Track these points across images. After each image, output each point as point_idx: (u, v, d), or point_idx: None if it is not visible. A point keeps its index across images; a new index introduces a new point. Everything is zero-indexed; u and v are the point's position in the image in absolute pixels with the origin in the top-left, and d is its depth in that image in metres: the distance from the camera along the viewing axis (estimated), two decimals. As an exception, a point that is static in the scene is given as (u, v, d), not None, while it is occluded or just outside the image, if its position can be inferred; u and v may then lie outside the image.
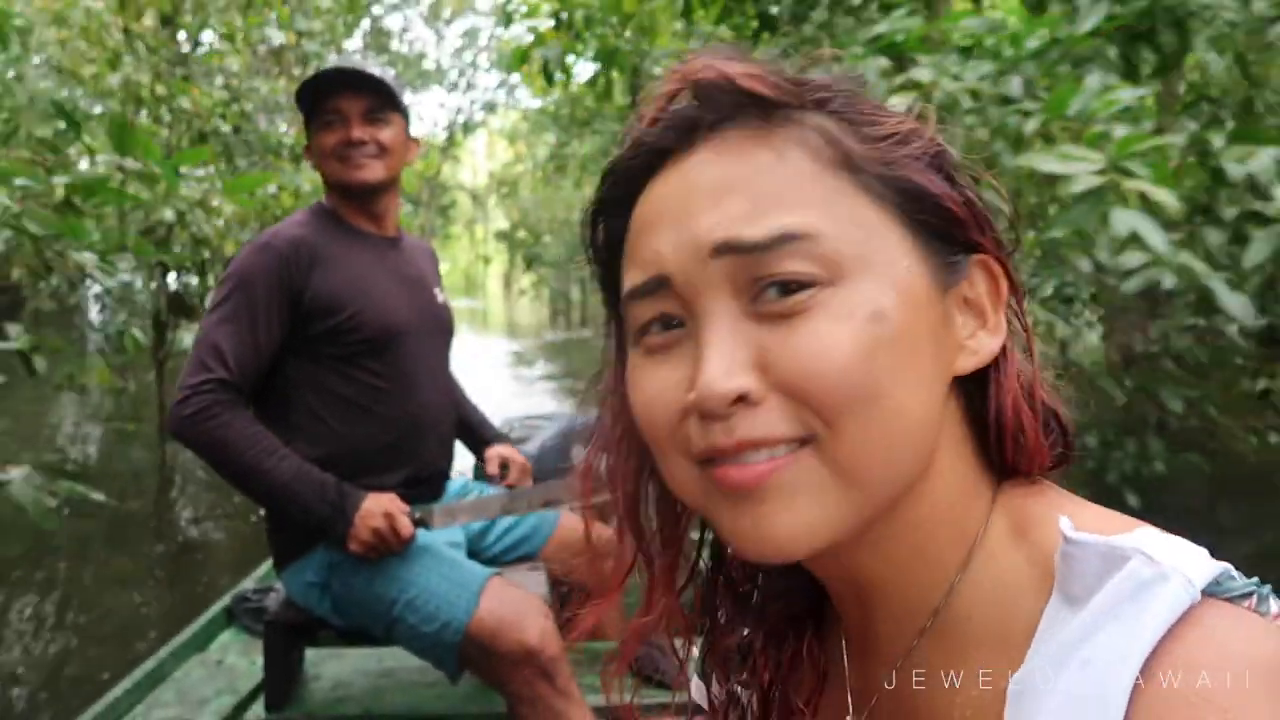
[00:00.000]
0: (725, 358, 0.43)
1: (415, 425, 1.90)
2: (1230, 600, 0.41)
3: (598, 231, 0.54)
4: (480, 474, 2.31)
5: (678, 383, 0.46)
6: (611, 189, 0.51)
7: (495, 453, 2.22)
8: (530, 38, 5.77)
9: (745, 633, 0.59)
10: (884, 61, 2.78)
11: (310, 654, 2.15)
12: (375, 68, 1.91)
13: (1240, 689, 0.37)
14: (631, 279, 0.48)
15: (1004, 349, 0.50)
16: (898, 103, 0.54)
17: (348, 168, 1.86)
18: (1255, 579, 0.43)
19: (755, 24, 4.82)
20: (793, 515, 0.43)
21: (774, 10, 4.86)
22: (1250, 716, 0.37)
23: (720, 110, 0.47)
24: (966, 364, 0.48)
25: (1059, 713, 0.40)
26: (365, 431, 1.85)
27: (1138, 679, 0.39)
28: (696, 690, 0.65)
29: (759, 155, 0.46)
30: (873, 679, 0.52)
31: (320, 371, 1.83)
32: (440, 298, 2.06)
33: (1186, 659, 0.39)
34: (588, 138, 10.37)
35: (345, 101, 1.85)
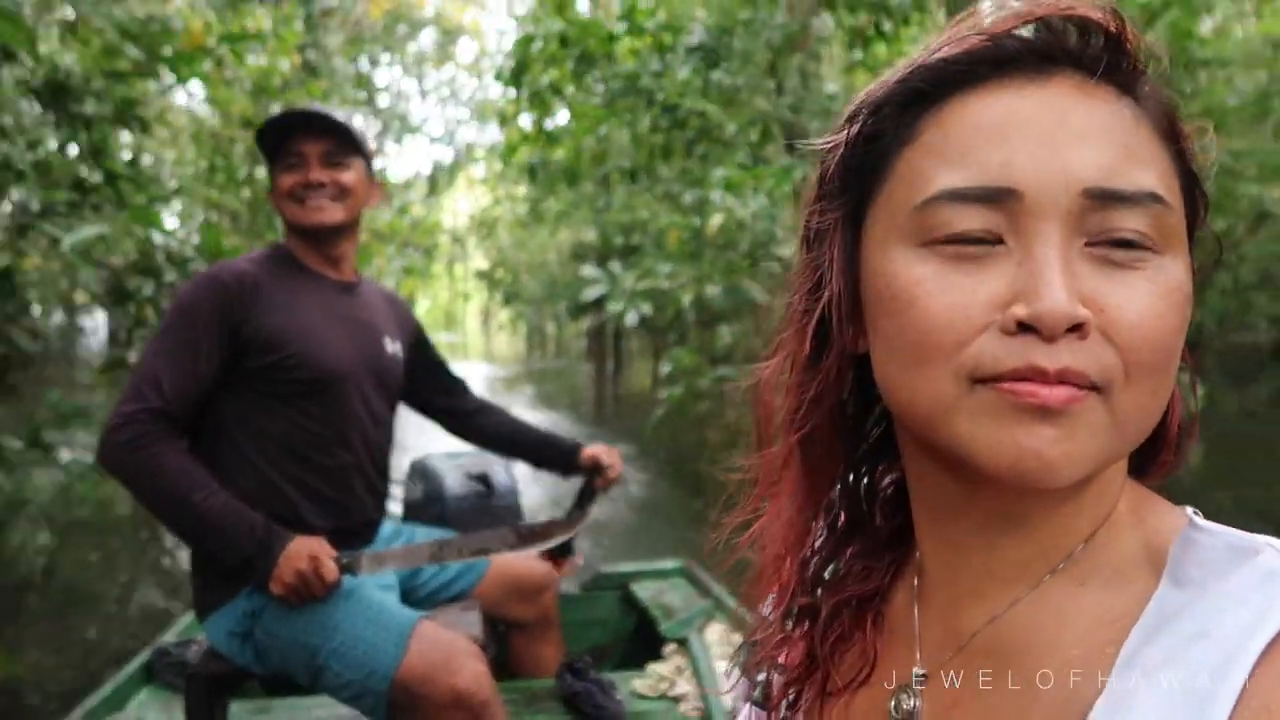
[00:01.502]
0: (1068, 284, 0.43)
1: (347, 473, 1.89)
2: None
3: (871, 119, 0.51)
4: (457, 515, 2.34)
5: (991, 296, 0.45)
6: (919, 81, 0.49)
7: (592, 454, 2.24)
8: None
9: (818, 595, 0.60)
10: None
11: (235, 708, 2.04)
12: (338, 111, 1.94)
13: None
14: (952, 180, 0.46)
15: None
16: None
17: (305, 209, 1.86)
18: None
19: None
20: (1072, 445, 0.44)
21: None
22: None
23: (1095, 52, 0.47)
24: None
25: (1171, 682, 0.41)
26: (296, 476, 1.84)
27: (1259, 659, 0.40)
28: (735, 686, 0.68)
29: (1123, 110, 0.46)
30: (952, 632, 0.54)
31: (254, 412, 1.82)
32: (391, 348, 2.03)
33: None
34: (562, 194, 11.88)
35: (306, 144, 1.86)
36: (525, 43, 6.52)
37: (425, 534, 2.08)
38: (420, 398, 2.24)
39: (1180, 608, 0.44)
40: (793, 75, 6.06)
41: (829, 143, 0.54)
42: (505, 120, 8.51)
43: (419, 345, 2.20)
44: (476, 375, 17.19)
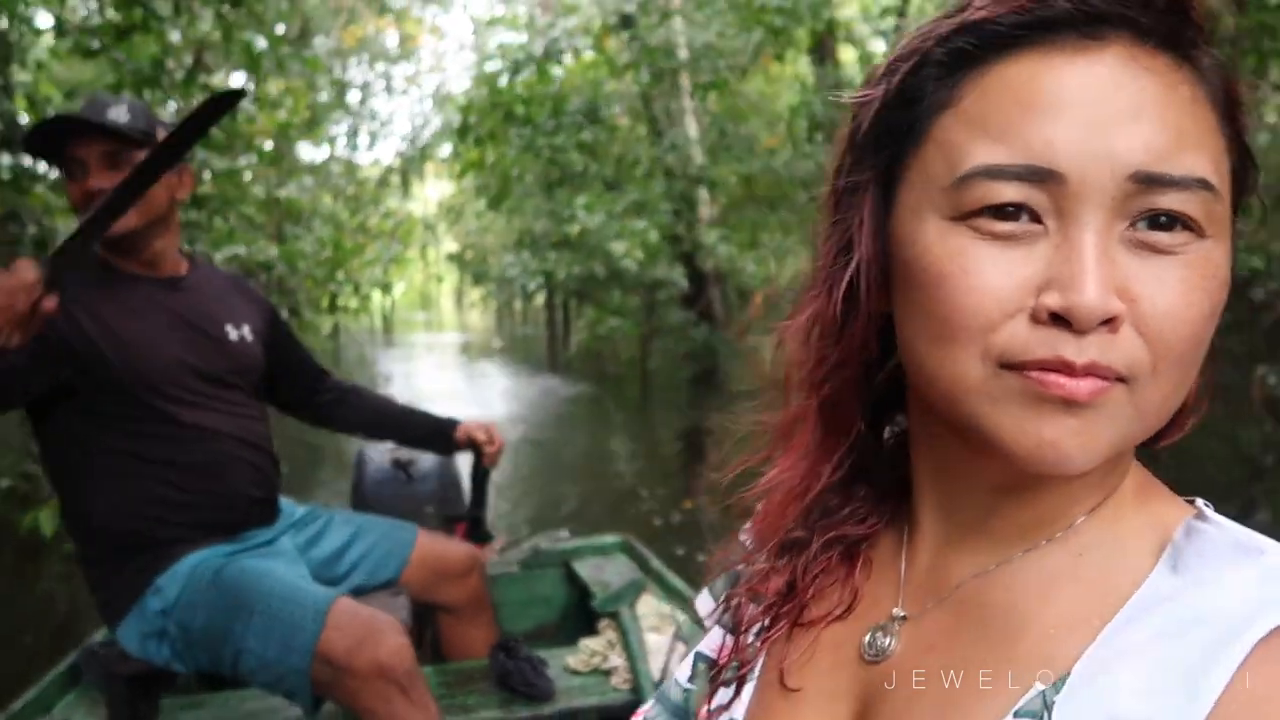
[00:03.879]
0: (1105, 277, 0.42)
1: (211, 471, 1.85)
2: None
3: (907, 76, 0.48)
4: (452, 447, 2.30)
5: (1024, 279, 0.43)
6: (963, 40, 0.46)
7: (466, 431, 2.23)
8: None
9: (812, 529, 0.60)
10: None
11: (167, 703, 1.98)
12: (115, 107, 1.78)
13: None
14: (992, 155, 0.44)
15: None
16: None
17: None
18: None
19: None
20: (1093, 438, 0.43)
21: None
22: None
23: (1153, 16, 0.44)
24: None
25: (1162, 663, 0.41)
26: (158, 485, 1.80)
27: (1255, 647, 0.40)
28: (703, 603, 0.68)
29: (1178, 87, 0.44)
30: (937, 581, 0.54)
31: (99, 431, 1.78)
32: (235, 335, 1.96)
33: None
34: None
35: (82, 148, 1.73)
36: (467, 109, 9.85)
37: (341, 520, 2.11)
38: (279, 395, 2.18)
39: (1174, 592, 0.44)
40: (671, 119, 9.33)
41: (864, 97, 0.51)
42: (459, 142, 11.74)
43: (274, 334, 2.12)
44: (450, 342, 20.64)
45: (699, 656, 0.66)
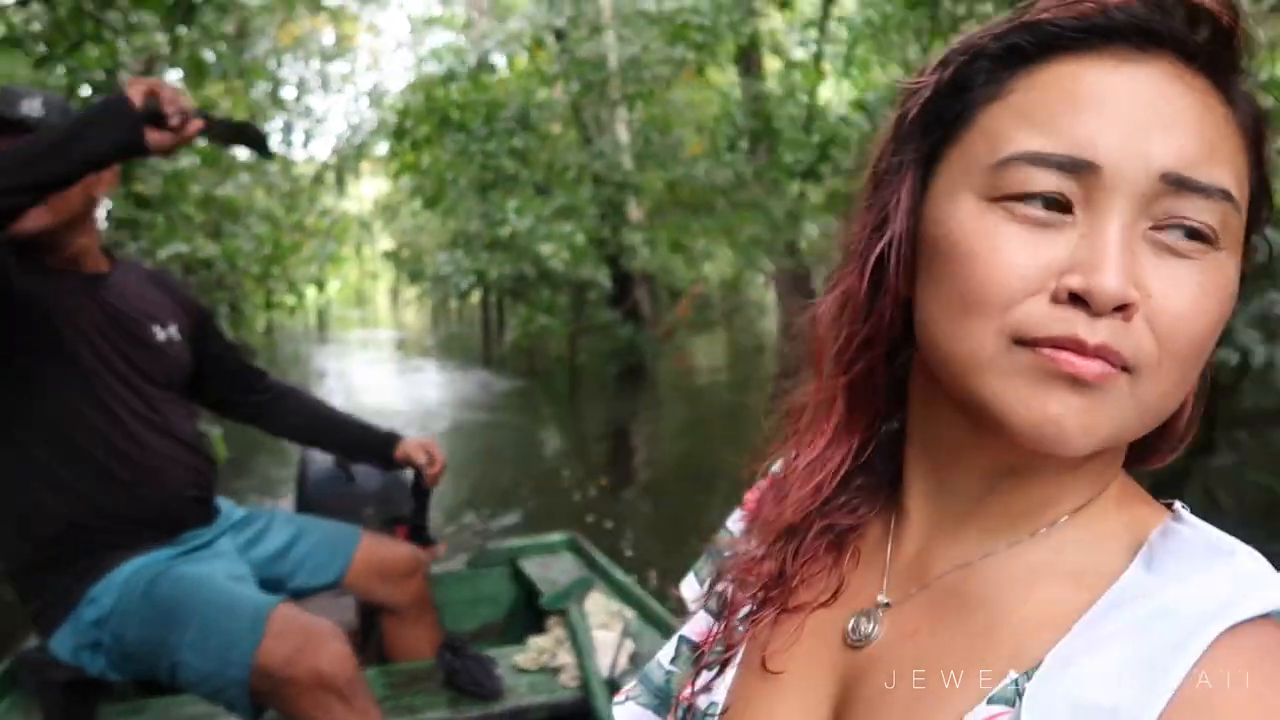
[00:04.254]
0: (1126, 266, 0.44)
1: (144, 474, 1.82)
2: None
3: (961, 66, 0.51)
4: (390, 465, 2.24)
5: (1050, 262, 0.46)
6: (1020, 38, 0.49)
7: (406, 450, 2.18)
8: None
9: (808, 518, 0.60)
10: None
11: (105, 710, 1.96)
12: (30, 100, 1.73)
13: (1275, 700, 0.41)
14: (1035, 143, 0.46)
15: None
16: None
17: None
18: None
19: None
20: (1094, 420, 0.45)
21: None
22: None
23: (1200, 40, 0.47)
24: None
25: (1128, 652, 0.43)
26: (89, 490, 1.77)
27: (1215, 641, 0.42)
28: (688, 587, 0.70)
29: (1215, 105, 0.47)
30: (921, 570, 0.56)
31: (26, 435, 1.76)
32: (163, 334, 1.92)
33: (1257, 649, 0.42)
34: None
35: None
36: (404, 113, 10.25)
37: (283, 520, 2.08)
38: (208, 394, 2.12)
39: (1147, 588, 0.46)
40: (601, 127, 9.83)
41: (916, 84, 0.53)
42: (396, 145, 12.11)
43: (202, 332, 2.06)
44: (385, 339, 20.87)
45: (683, 640, 0.67)
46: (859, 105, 9.46)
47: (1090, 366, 0.45)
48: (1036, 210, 0.46)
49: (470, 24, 13.37)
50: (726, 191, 10.01)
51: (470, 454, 7.56)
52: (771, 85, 11.55)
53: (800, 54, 11.81)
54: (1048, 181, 0.46)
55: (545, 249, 8.74)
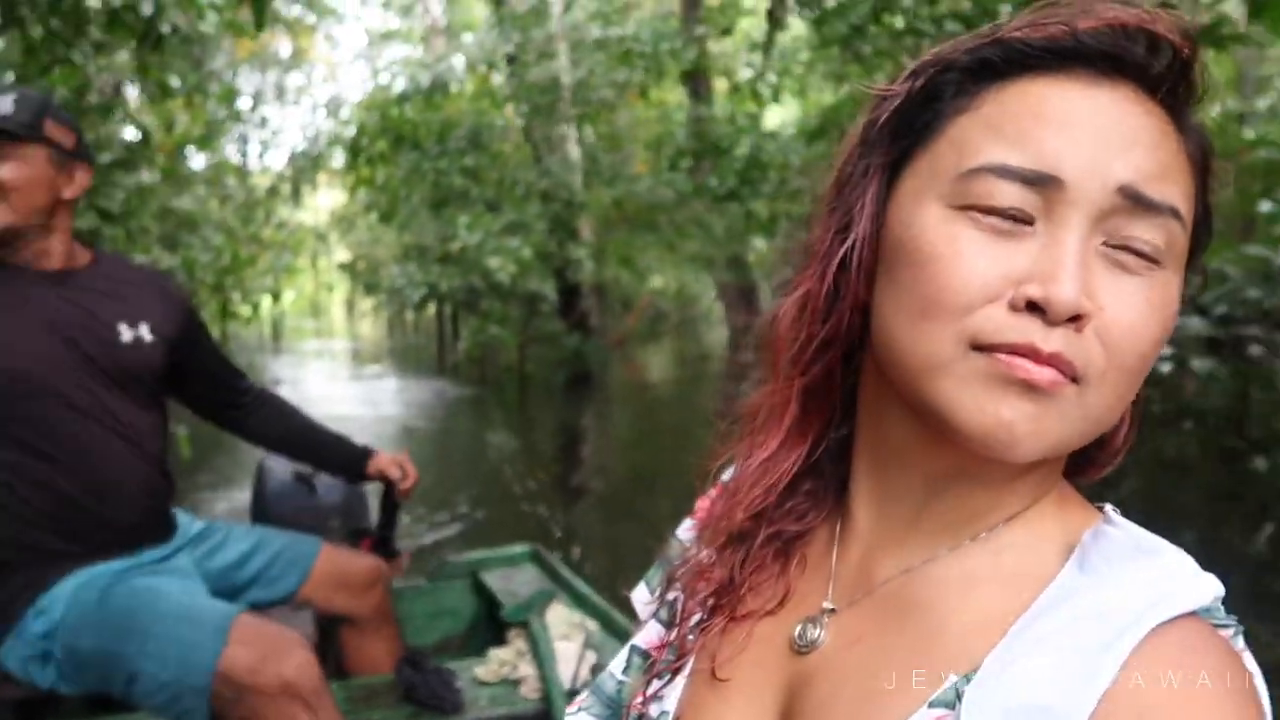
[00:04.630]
0: (1082, 278, 0.46)
1: (95, 483, 1.76)
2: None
3: (932, 76, 0.53)
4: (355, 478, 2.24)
5: (1009, 270, 0.47)
6: (992, 54, 0.51)
7: (378, 465, 2.17)
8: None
9: (757, 524, 0.62)
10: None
11: None
12: (2, 97, 1.70)
13: (1200, 696, 0.43)
14: (1004, 156, 0.48)
15: None
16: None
17: None
18: (1235, 616, 0.49)
19: None
20: (1042, 425, 0.47)
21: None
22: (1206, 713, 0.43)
23: (1161, 72, 0.49)
24: None
25: (1061, 653, 0.45)
26: (37, 498, 1.71)
27: (1143, 639, 0.44)
28: (639, 596, 0.70)
29: (1170, 132, 0.49)
30: (865, 576, 0.57)
31: None
32: (129, 334, 1.83)
33: (1181, 645, 0.45)
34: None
35: None
36: (360, 131, 10.71)
37: (241, 533, 2.04)
38: (187, 392, 2.07)
39: (1080, 589, 0.48)
40: (552, 146, 10.35)
41: (887, 92, 0.55)
42: (352, 161, 12.54)
43: (186, 332, 1.98)
44: (340, 349, 21.17)
45: (634, 649, 0.67)
46: (771, 135, 9.97)
47: (1044, 374, 0.46)
48: (1001, 221, 0.48)
49: (427, 38, 13.80)
50: (669, 209, 10.55)
51: (426, 455, 8.00)
52: (720, 107, 12.07)
53: (748, 76, 12.34)
54: (1013, 194, 0.48)
55: (493, 263, 9.27)
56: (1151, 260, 0.48)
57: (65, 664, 1.71)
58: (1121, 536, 0.50)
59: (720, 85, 12.78)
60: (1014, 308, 0.47)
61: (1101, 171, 0.47)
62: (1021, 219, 0.48)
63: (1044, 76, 0.50)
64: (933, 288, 0.49)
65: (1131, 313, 0.48)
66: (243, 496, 3.56)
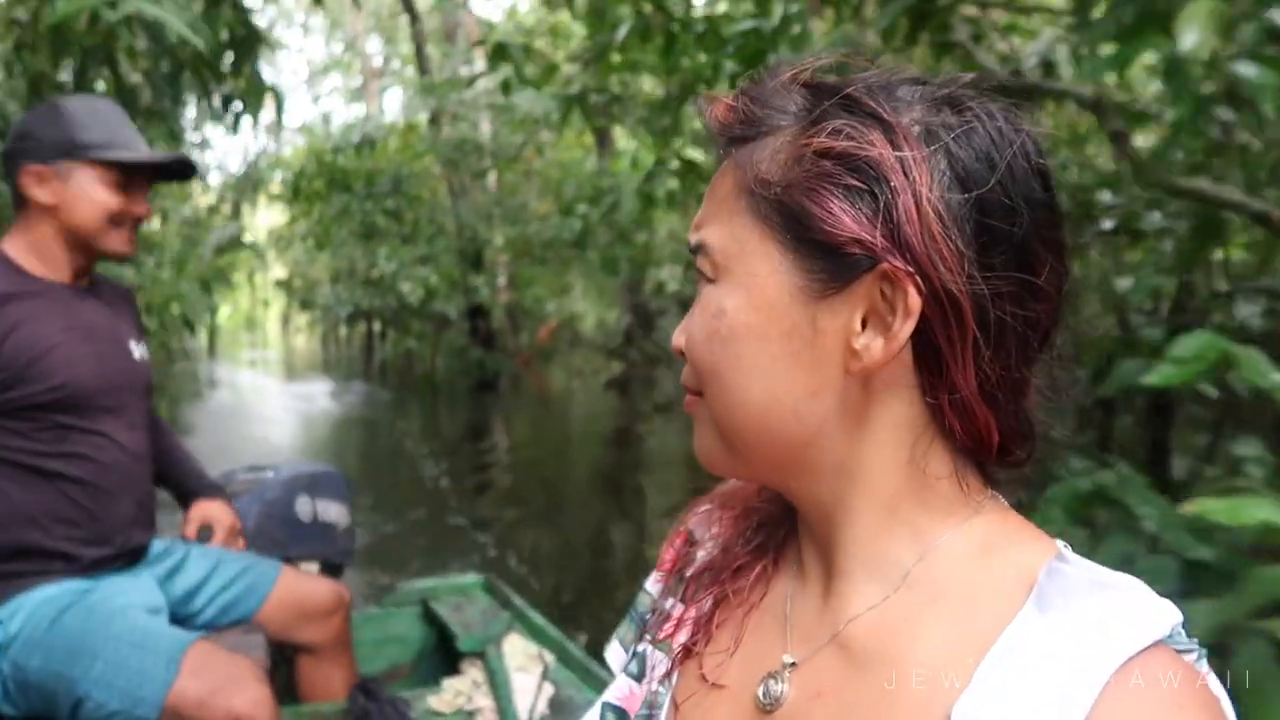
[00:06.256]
0: (684, 323, 0.57)
1: (104, 493, 1.78)
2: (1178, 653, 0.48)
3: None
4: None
5: None
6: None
7: (198, 512, 2.08)
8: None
9: (719, 577, 0.64)
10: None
11: None
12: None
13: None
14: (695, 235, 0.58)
15: (952, 354, 0.51)
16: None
17: (124, 239, 1.82)
18: (1196, 639, 0.50)
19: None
20: (700, 436, 0.58)
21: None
22: None
23: (719, 138, 0.58)
24: (853, 366, 0.52)
25: (1031, 699, 0.46)
26: (47, 499, 1.73)
27: (1110, 679, 0.45)
28: (613, 653, 0.72)
29: (725, 178, 0.57)
30: (821, 626, 0.57)
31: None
32: (137, 352, 1.90)
33: (1148, 679, 0.46)
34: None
35: (148, 178, 1.84)
36: (299, 175, 12.89)
37: (200, 552, 2.00)
38: None
39: (1040, 631, 0.48)
40: (465, 190, 12.53)
41: None
42: (291, 197, 14.56)
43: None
44: (274, 359, 22.98)
45: (606, 706, 0.68)
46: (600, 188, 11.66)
47: (688, 399, 0.59)
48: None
49: (366, 82, 15.84)
50: (559, 246, 12.71)
51: (347, 445, 10.07)
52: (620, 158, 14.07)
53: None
54: (701, 263, 0.57)
55: (405, 287, 11.54)
56: (704, 279, 0.57)
57: (11, 681, 1.68)
58: (1075, 573, 0.51)
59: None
60: None
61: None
62: (708, 280, 0.57)
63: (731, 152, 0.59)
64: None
65: (692, 328, 0.57)
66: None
